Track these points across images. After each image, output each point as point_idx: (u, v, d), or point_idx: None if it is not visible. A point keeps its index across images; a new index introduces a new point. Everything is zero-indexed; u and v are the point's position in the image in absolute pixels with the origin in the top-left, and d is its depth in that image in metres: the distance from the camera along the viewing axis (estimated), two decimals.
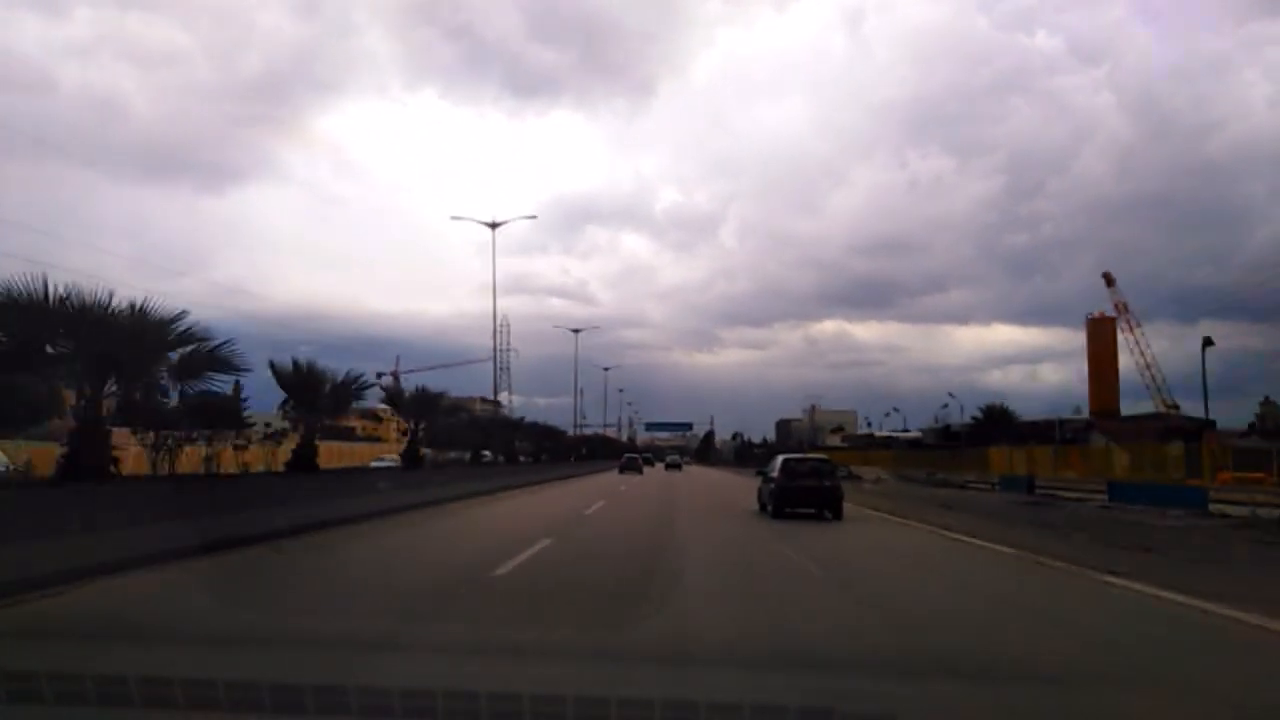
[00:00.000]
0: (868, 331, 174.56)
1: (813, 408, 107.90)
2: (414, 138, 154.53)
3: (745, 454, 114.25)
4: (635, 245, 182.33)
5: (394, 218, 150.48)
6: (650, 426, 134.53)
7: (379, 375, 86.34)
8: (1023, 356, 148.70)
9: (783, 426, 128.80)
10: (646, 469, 73.13)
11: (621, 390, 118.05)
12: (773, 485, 20.26)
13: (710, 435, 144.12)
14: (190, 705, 3.99)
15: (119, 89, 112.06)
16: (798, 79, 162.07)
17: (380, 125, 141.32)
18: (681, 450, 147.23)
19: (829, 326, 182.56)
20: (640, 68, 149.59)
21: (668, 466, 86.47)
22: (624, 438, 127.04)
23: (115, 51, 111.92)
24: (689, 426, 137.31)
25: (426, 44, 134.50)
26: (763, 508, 22.24)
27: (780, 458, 21.25)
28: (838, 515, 19.87)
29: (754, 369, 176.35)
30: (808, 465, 20.77)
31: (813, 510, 20.23)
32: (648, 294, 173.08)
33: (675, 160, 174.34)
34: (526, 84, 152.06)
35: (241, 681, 4.28)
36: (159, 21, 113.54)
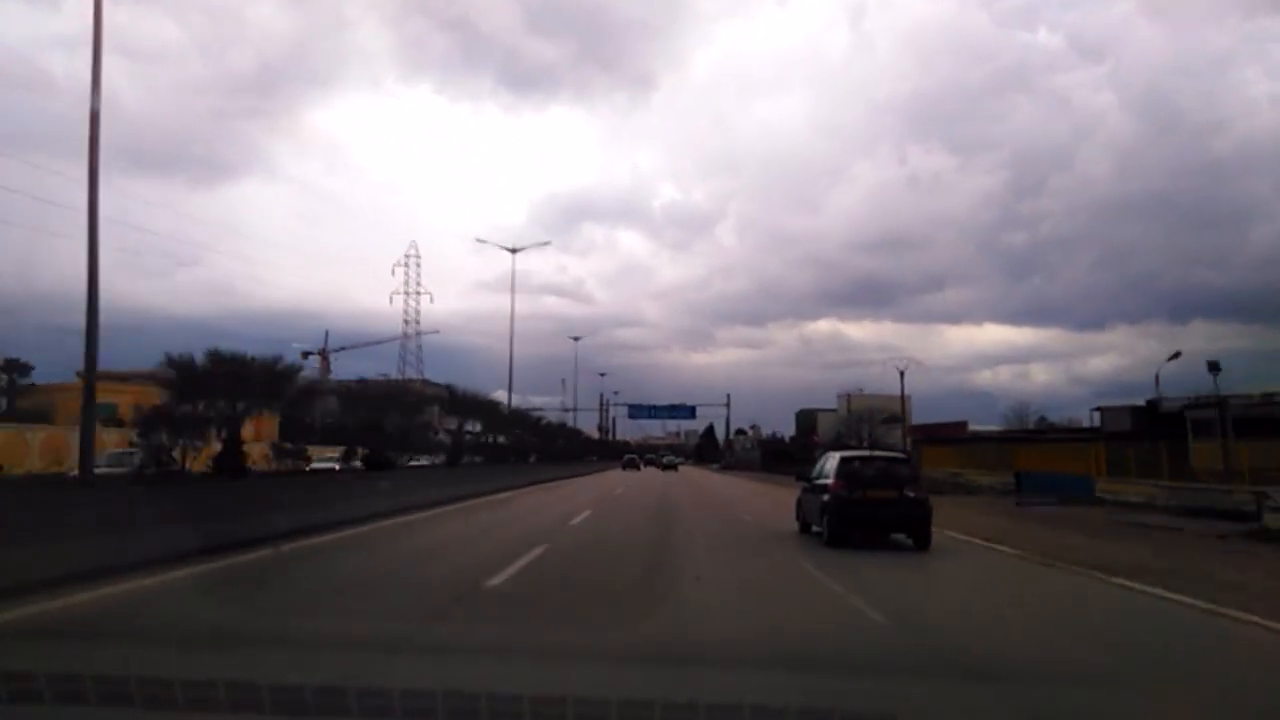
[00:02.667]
0: (862, 331, 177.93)
1: (904, 375, 79.81)
2: (409, 133, 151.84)
3: (776, 454, 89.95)
4: (632, 243, 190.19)
5: (388, 214, 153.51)
6: (636, 412, 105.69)
7: (305, 355, 76.59)
8: (1013, 356, 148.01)
9: (806, 418, 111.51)
10: (642, 471, 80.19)
11: (617, 392, 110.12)
12: (826, 497, 14.86)
13: (712, 430, 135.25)
14: (190, 705, 4.14)
15: (108, 82, 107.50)
16: (798, 74, 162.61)
17: (374, 120, 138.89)
18: (676, 450, 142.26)
19: (824, 326, 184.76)
20: (639, 62, 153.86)
21: (664, 467, 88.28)
22: (600, 429, 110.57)
23: (105, 44, 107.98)
24: (690, 412, 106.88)
25: (421, 37, 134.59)
26: (804, 528, 16.97)
27: (835, 457, 15.65)
28: (923, 543, 14.84)
29: (749, 368, 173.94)
30: (877, 467, 15.20)
31: (874, 532, 15.20)
32: (645, 293, 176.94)
33: (674, 156, 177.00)
34: (523, 78, 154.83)
35: (241, 681, 4.40)
36: (149, 14, 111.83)
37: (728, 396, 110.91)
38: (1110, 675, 6.50)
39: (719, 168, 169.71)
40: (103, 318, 14.59)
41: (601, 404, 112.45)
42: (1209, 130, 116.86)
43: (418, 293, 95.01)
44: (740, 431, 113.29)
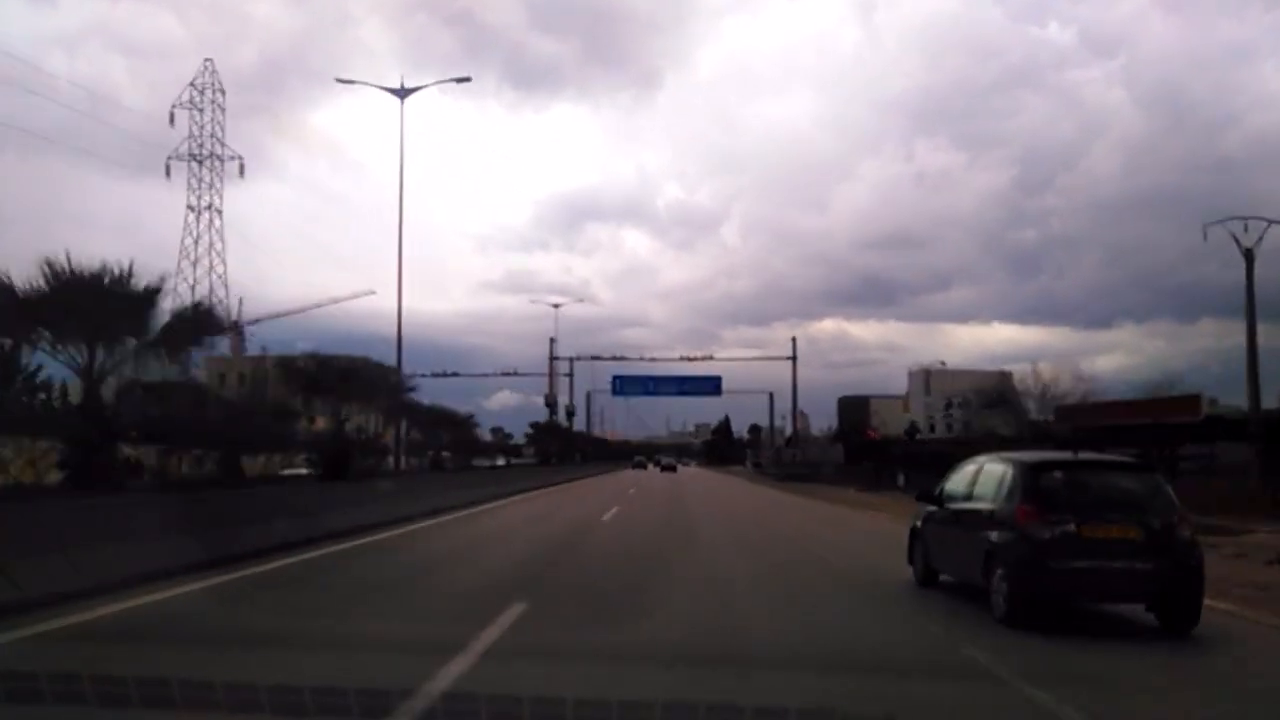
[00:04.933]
0: (867, 331, 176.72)
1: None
2: (412, 131, 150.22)
3: (868, 451, 58.98)
4: (637, 243, 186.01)
5: (391, 214, 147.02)
6: (626, 385, 74.48)
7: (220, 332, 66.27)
8: (1021, 356, 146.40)
9: (854, 407, 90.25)
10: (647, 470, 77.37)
11: (597, 358, 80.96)
12: (998, 535, 8.86)
13: (728, 425, 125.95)
14: (189, 705, 4.28)
15: (109, 81, 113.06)
16: (805, 71, 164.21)
17: (378, 118, 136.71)
18: (680, 451, 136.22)
19: (828, 326, 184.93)
20: (644, 59, 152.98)
21: (663, 468, 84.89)
22: (550, 405, 73.39)
23: (105, 42, 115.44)
24: (714, 385, 73.39)
25: (424, 35, 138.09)
26: (927, 578, 11.02)
27: (1007, 463, 9.69)
28: (1184, 622, 8.49)
29: (754, 368, 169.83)
30: (1103, 482, 9.26)
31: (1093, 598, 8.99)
32: (649, 293, 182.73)
33: (679, 155, 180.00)
34: (527, 76, 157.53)
35: (240, 682, 4.57)
36: (149, 11, 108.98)
37: (792, 341, 73.99)
38: None
39: (724, 166, 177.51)
40: None
41: (552, 364, 71.24)
42: (1222, 125, 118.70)
43: (219, 156, 62.91)
44: (756, 429, 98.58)
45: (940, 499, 10.81)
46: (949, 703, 5.84)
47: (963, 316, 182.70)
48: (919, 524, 11.47)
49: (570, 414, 74.78)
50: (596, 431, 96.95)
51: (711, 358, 70.90)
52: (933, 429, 67.05)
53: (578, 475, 55.77)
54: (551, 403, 70.80)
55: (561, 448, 68.66)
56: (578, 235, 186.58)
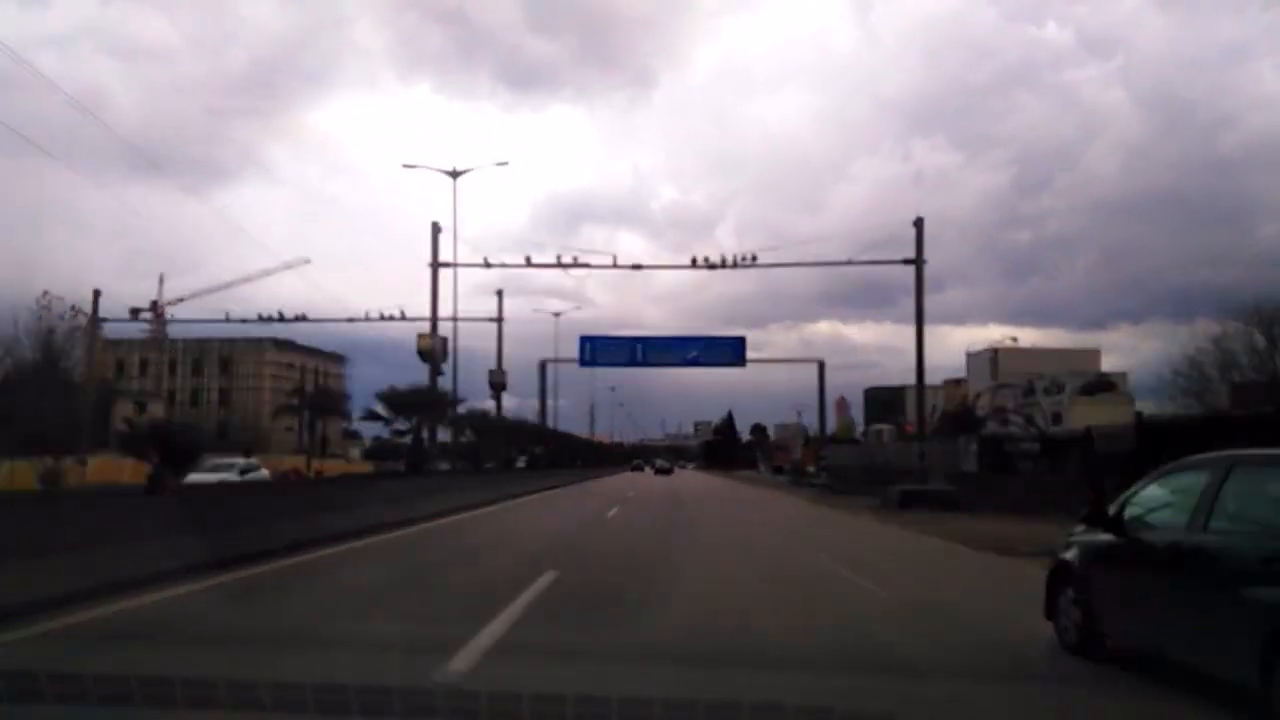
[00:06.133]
0: (863, 333, 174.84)
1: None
2: (407, 132, 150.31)
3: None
4: (633, 245, 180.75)
5: (386, 215, 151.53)
6: (601, 349, 51.80)
7: (135, 313, 57.14)
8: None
9: (884, 400, 73.76)
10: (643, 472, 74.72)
11: (560, 313, 61.59)
12: None
13: (732, 423, 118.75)
14: (190, 704, 4.18)
15: (101, 83, 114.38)
16: (802, 70, 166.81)
17: (372, 119, 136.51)
18: (677, 454, 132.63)
19: (823, 328, 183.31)
20: (640, 59, 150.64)
21: (657, 471, 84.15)
22: (442, 371, 42.01)
23: (96, 45, 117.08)
24: (733, 348, 51.32)
25: (417, 34, 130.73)
26: (1086, 642, 7.15)
27: None
28: None
29: (751, 371, 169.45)
30: None
31: None
32: (645, 295, 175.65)
33: (674, 156, 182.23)
34: (522, 76, 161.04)
35: (242, 680, 4.55)
36: (141, 13, 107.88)
37: (917, 235, 42.10)
38: None
39: (720, 167, 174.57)
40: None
41: (436, 275, 39.30)
42: (1219, 125, 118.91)
43: None
44: (760, 428, 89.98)
45: (1121, 524, 6.96)
46: None
47: (958, 318, 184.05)
48: (1069, 558, 7.62)
49: (498, 387, 49.49)
50: (582, 432, 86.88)
51: (755, 259, 44.29)
52: (1005, 421, 47.11)
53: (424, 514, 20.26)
54: (430, 353, 38.76)
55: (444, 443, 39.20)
56: (573, 237, 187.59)
